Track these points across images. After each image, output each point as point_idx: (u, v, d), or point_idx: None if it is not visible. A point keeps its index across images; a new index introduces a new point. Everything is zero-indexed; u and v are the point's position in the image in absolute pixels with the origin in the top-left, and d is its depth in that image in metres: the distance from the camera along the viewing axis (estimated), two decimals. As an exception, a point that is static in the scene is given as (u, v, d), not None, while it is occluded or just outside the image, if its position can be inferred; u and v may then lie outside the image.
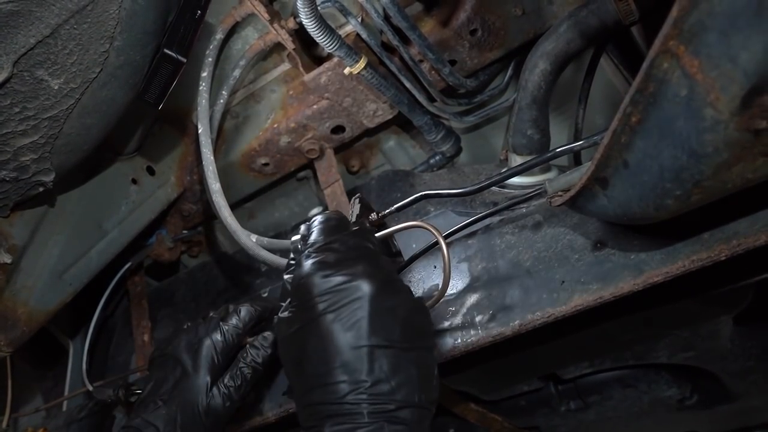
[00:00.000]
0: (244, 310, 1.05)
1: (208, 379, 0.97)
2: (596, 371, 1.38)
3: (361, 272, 0.76)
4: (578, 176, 0.83)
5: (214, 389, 0.97)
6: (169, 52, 0.93)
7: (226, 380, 0.98)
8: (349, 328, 0.71)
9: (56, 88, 0.88)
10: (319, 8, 1.13)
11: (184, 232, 1.62)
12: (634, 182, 0.67)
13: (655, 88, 0.58)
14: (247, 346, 1.03)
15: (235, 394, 0.98)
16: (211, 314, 1.08)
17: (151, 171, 1.44)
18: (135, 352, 1.60)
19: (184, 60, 0.95)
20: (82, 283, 1.25)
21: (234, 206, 1.62)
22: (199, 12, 0.96)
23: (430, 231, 0.90)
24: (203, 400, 0.96)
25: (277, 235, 1.63)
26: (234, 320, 1.03)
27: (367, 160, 1.62)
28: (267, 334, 1.03)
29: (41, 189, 1.05)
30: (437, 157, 1.50)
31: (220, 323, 1.03)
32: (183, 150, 1.54)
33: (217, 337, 1.01)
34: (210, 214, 1.64)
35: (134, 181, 1.39)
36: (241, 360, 1.00)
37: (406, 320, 0.74)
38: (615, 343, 1.24)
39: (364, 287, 0.74)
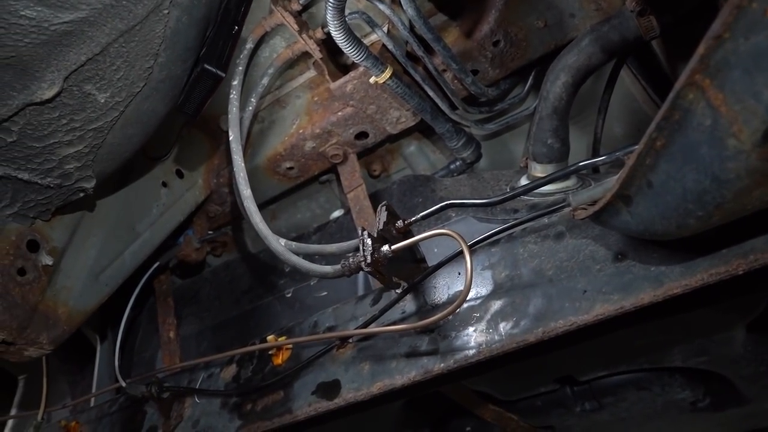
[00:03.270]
0: None
1: None
2: (612, 374, 1.41)
3: None
4: (601, 191, 0.87)
5: None
6: (210, 68, 0.97)
7: None
8: None
9: (102, 101, 0.92)
10: (346, 19, 1.17)
11: (210, 232, 1.67)
12: (657, 201, 0.71)
13: (680, 117, 0.62)
14: None
15: None
16: None
17: (180, 174, 1.49)
18: (161, 348, 1.65)
19: (223, 75, 1.00)
20: (117, 283, 1.30)
21: (258, 208, 1.67)
22: (236, 27, 1.00)
23: (456, 239, 0.94)
24: None
25: (299, 237, 1.67)
26: None
27: (388, 164, 1.66)
28: None
29: (82, 194, 1.09)
30: (457, 163, 1.53)
31: None
32: (210, 153, 1.59)
33: None
34: (235, 215, 1.68)
35: (164, 185, 1.44)
36: None
37: None
38: (631, 348, 1.27)
39: None
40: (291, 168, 1.54)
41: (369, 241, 0.99)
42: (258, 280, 1.68)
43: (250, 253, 1.75)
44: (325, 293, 1.47)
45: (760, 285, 0.99)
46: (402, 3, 1.20)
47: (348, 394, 1.04)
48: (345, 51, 1.19)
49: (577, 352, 1.23)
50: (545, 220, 1.03)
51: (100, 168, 1.05)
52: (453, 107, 1.41)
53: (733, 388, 1.45)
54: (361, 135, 1.47)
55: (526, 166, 1.32)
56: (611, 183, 0.84)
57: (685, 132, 0.62)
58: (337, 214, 1.69)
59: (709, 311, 1.08)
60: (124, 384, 1.30)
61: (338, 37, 1.16)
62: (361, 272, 1.04)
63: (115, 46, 0.85)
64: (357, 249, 1.22)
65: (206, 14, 0.94)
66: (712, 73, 0.56)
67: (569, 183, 1.22)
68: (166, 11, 0.85)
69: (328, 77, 1.37)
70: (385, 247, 0.99)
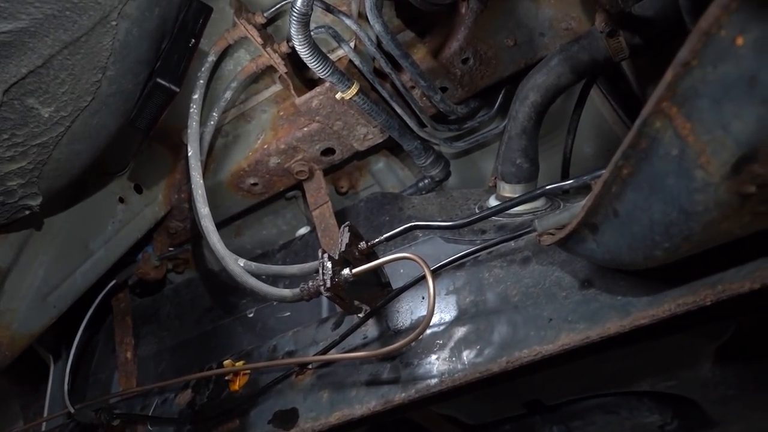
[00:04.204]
0: None
1: None
2: (580, 398, 1.39)
3: None
4: (568, 216, 0.84)
5: None
6: (163, 82, 0.92)
7: None
8: None
9: (46, 116, 0.87)
10: (312, 33, 1.13)
11: (170, 249, 1.61)
12: (624, 231, 0.68)
13: (647, 145, 0.59)
14: None
15: None
16: None
17: (138, 189, 1.43)
18: (117, 369, 1.58)
19: (177, 90, 0.95)
20: (67, 304, 1.24)
21: (221, 224, 1.62)
22: (193, 41, 0.96)
23: (419, 264, 0.90)
24: None
25: (264, 254, 1.62)
26: None
27: (356, 180, 1.62)
28: None
29: (27, 212, 1.04)
30: (426, 181, 1.50)
31: None
32: (171, 168, 1.54)
33: None
34: (197, 232, 1.63)
35: (121, 200, 1.38)
36: None
37: None
38: (599, 373, 1.25)
39: None
40: (255, 184, 1.49)
41: (329, 264, 0.95)
42: (220, 299, 1.62)
43: (212, 271, 1.69)
44: (288, 314, 1.42)
45: (727, 312, 0.97)
46: (369, 19, 1.17)
47: (305, 424, 0.99)
48: (310, 66, 1.16)
49: (545, 377, 1.21)
50: (512, 243, 1.00)
51: (46, 185, 1.00)
52: (421, 124, 1.38)
53: (701, 411, 1.44)
54: (328, 151, 1.43)
55: (495, 186, 1.30)
56: (577, 209, 0.81)
57: (652, 161, 0.59)
58: (302, 231, 1.64)
59: (677, 337, 1.06)
60: (72, 410, 1.24)
61: (303, 52, 1.13)
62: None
63: (59, 58, 0.80)
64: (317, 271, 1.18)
65: (160, 26, 0.90)
66: (680, 101, 0.53)
67: (538, 204, 1.19)
68: (114, 23, 0.80)
69: (293, 92, 1.33)
70: (346, 271, 0.96)
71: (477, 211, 1.33)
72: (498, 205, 1.02)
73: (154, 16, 0.87)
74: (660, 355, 1.18)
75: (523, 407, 1.43)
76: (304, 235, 1.59)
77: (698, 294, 0.77)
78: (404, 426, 1.47)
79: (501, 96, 1.41)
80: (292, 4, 1.04)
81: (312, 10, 1.07)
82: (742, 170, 0.51)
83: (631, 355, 1.18)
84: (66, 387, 1.30)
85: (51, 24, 0.76)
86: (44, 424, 1.50)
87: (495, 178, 1.30)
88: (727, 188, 0.53)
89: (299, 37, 1.10)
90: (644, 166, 0.61)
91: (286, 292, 1.04)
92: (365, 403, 0.95)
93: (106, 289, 1.48)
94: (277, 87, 1.45)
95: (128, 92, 0.93)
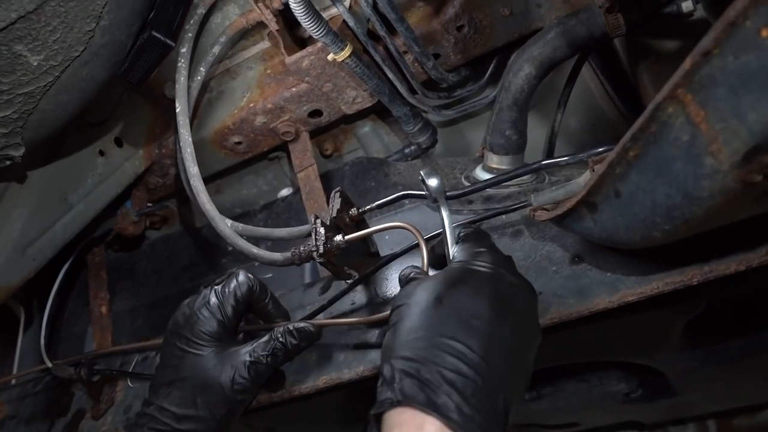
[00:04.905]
0: (242, 277, 0.96)
1: (214, 351, 0.91)
2: (553, 366, 1.43)
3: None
4: (564, 193, 0.85)
5: (240, 364, 0.89)
6: (158, 36, 0.89)
7: (254, 355, 0.90)
8: None
9: (35, 64, 0.83)
10: (307, -9, 1.10)
11: (149, 205, 1.58)
12: (624, 212, 0.70)
13: (657, 129, 0.60)
14: (286, 328, 0.93)
15: (264, 372, 0.91)
16: (215, 280, 0.99)
17: (119, 142, 1.39)
18: (91, 324, 1.56)
19: (173, 44, 0.92)
20: (46, 258, 1.21)
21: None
22: (188, -7, 0.93)
23: (413, 233, 0.91)
24: (226, 376, 0.88)
25: (245, 214, 1.61)
26: (231, 287, 0.95)
27: (340, 144, 1.61)
28: (305, 326, 0.93)
29: (8, 163, 1.00)
30: (412, 148, 1.50)
31: (216, 291, 0.95)
32: (153, 121, 1.50)
33: (214, 307, 0.93)
34: (178, 188, 1.60)
35: (101, 153, 1.34)
36: (276, 341, 0.91)
37: None
38: (575, 343, 1.29)
39: None
40: (239, 143, 1.46)
41: (322, 230, 0.95)
42: (199, 257, 1.61)
43: (191, 228, 1.67)
44: (270, 275, 1.41)
45: (703, 291, 1.01)
46: (367, -21, 1.14)
47: (293, 387, 1.00)
48: (304, 25, 1.13)
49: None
50: (503, 216, 1.01)
51: (30, 135, 0.96)
52: (412, 91, 1.36)
53: (665, 381, 1.50)
54: (315, 113, 1.41)
55: (482, 156, 1.31)
56: (574, 186, 0.83)
57: (661, 145, 0.60)
58: (285, 192, 1.63)
59: (653, 313, 1.10)
60: (50, 365, 1.22)
61: (298, 10, 1.10)
62: (311, 260, 1.00)
63: (51, 4, 0.76)
64: (308, 235, 1.18)
65: (156, -24, 0.86)
66: (696, 89, 0.54)
67: (525, 177, 1.20)
68: (111, -30, 0.77)
69: (283, 51, 1.30)
70: (339, 237, 0.96)
71: (463, 180, 1.34)
72: (492, 177, 1.03)
73: (152, -34, 0.83)
74: (634, 329, 1.22)
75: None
76: (286, 197, 1.58)
77: (686, 274, 0.80)
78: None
79: (492, 66, 1.41)
80: (290, -39, 1.01)
81: (310, -33, 1.04)
82: (753, 160, 0.52)
83: (606, 328, 1.22)
84: (43, 341, 1.29)
85: (45, -32, 0.73)
86: (14, 370, 1.49)
87: (483, 149, 1.31)
88: (734, 176, 0.55)
89: (295, -6, 1.08)
90: (652, 149, 0.62)
91: (277, 256, 1.03)
92: (353, 368, 0.96)
93: (83, 242, 1.46)
94: (265, 44, 1.41)
95: (120, 43, 0.90)
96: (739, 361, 1.41)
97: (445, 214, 0.90)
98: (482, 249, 0.78)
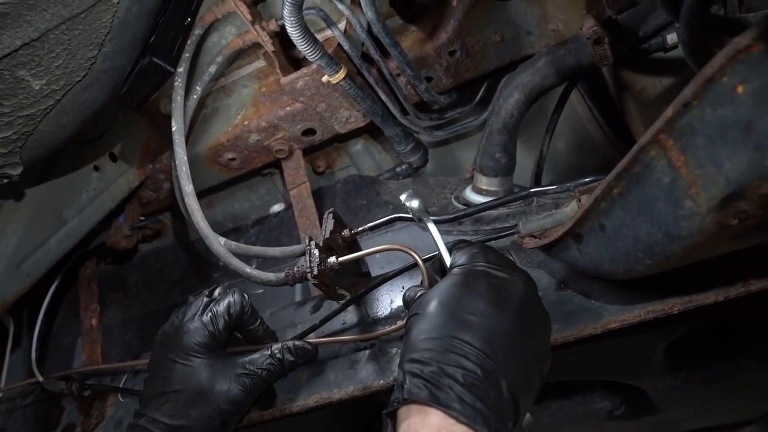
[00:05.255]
0: (238, 296, 0.98)
1: (205, 363, 0.91)
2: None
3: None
4: (551, 221, 0.88)
5: (234, 377, 0.91)
6: (159, 62, 0.91)
7: (250, 368, 0.92)
8: None
9: (37, 88, 0.85)
10: (303, 15, 1.13)
11: (142, 218, 1.59)
12: (608, 245, 0.73)
13: (640, 170, 0.63)
14: (283, 345, 0.95)
15: (260, 386, 0.93)
16: (203, 291, 1.02)
17: (113, 158, 1.41)
18: (81, 336, 1.57)
19: (173, 70, 0.94)
20: (40, 273, 1.22)
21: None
22: (189, 19, 0.95)
23: (411, 254, 0.93)
24: (221, 388, 0.90)
25: (237, 228, 1.63)
26: (225, 303, 0.96)
27: (333, 161, 1.63)
28: (303, 344, 0.96)
29: (6, 181, 1.01)
30: (404, 167, 1.52)
31: (210, 305, 0.97)
32: (147, 136, 1.51)
33: (206, 319, 0.94)
34: (170, 202, 1.61)
35: (96, 168, 1.35)
36: (273, 356, 0.93)
37: None
38: (560, 362, 1.32)
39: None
40: (233, 159, 1.48)
41: (316, 252, 0.97)
42: (190, 271, 1.62)
43: (183, 242, 1.68)
44: (261, 291, 1.43)
45: (684, 317, 1.04)
46: (362, 5, 1.17)
47: (283, 405, 1.02)
48: (300, 48, 1.15)
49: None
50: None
51: (28, 155, 0.98)
52: (404, 112, 1.39)
53: (648, 399, 1.53)
54: (309, 132, 1.43)
55: (473, 177, 1.33)
56: (561, 215, 0.86)
57: (644, 185, 0.63)
58: (277, 208, 1.65)
59: (637, 336, 1.13)
60: (41, 379, 1.23)
61: (294, 34, 1.12)
62: (303, 280, 1.02)
63: (55, 32, 0.78)
64: (300, 255, 1.20)
65: (158, 4, 0.88)
66: (677, 135, 0.57)
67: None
68: (116, 1, 0.79)
69: (279, 71, 1.32)
70: (332, 259, 0.98)
71: (453, 200, 1.37)
72: (482, 204, 1.06)
73: (154, -5, 0.85)
74: (617, 350, 1.26)
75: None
76: (279, 212, 1.60)
77: (667, 303, 0.83)
78: (371, 406, 1.52)
79: (483, 89, 1.44)
80: (287, -13, 1.03)
81: (306, -7, 1.07)
82: (729, 205, 0.55)
83: (589, 349, 1.25)
84: (34, 355, 1.29)
85: (51, -1, 0.75)
86: (2, 383, 1.49)
87: (473, 170, 1.34)
88: (711, 219, 0.58)
89: (291, 19, 1.10)
90: (635, 188, 0.65)
91: (271, 276, 1.05)
92: (344, 388, 0.98)
93: (74, 256, 1.46)
94: (260, 63, 1.44)
95: (121, 68, 0.91)
96: (719, 381, 1.45)
97: (432, 228, 0.93)
98: (475, 251, 0.83)
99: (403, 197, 0.95)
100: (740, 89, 0.50)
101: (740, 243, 0.66)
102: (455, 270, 0.81)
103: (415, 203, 0.95)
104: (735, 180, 0.53)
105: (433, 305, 0.76)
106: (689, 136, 0.56)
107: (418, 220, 0.98)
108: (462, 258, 0.82)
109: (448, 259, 0.86)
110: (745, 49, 0.49)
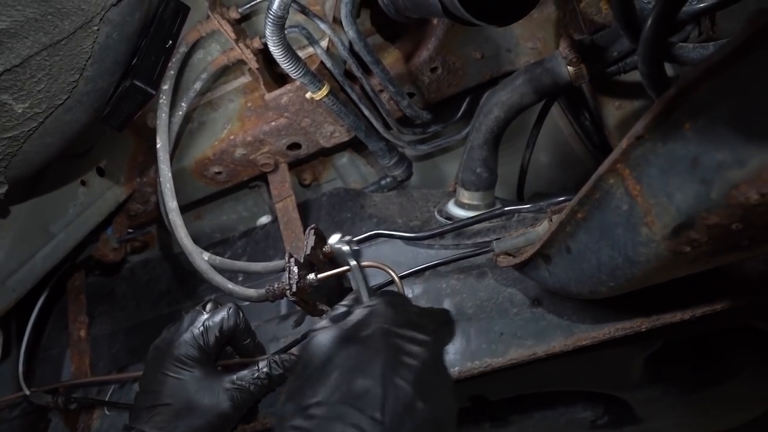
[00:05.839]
0: (233, 312, 0.99)
1: (196, 377, 0.92)
2: (521, 395, 1.48)
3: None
4: (524, 241, 0.90)
5: (223, 390, 0.92)
6: (140, 84, 0.93)
7: (239, 383, 0.93)
8: None
9: (20, 111, 0.87)
10: (286, 33, 1.15)
11: (130, 231, 1.61)
12: (574, 267, 0.75)
13: (600, 196, 0.65)
14: (270, 359, 0.97)
15: (249, 400, 0.93)
16: (197, 308, 1.03)
17: (100, 172, 1.42)
18: (69, 347, 1.58)
19: (154, 93, 0.96)
20: (26, 289, 1.23)
21: (183, 209, 1.62)
22: (170, 42, 0.97)
23: (390, 274, 0.95)
24: (210, 401, 0.90)
25: (225, 240, 1.64)
26: (218, 318, 0.98)
27: (319, 173, 1.65)
28: (290, 357, 0.97)
29: (-9, 199, 1.03)
30: (388, 180, 1.54)
31: (203, 320, 0.98)
32: (135, 150, 1.53)
33: (197, 332, 0.95)
34: (157, 215, 1.62)
35: (83, 183, 1.37)
36: (262, 370, 0.95)
37: None
38: (542, 374, 1.34)
39: None
40: (219, 173, 1.50)
41: (295, 269, 0.99)
42: (178, 283, 1.63)
43: (170, 254, 1.70)
44: (246, 303, 1.44)
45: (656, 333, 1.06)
46: (343, 24, 1.19)
47: (265, 420, 1.04)
48: (282, 67, 1.17)
49: (493, 378, 1.29)
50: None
51: (13, 174, 0.99)
52: (387, 127, 1.41)
53: (630, 409, 1.55)
54: (294, 146, 1.45)
55: (455, 191, 1.35)
56: (533, 235, 0.88)
57: (604, 211, 0.66)
58: (264, 220, 1.67)
59: (614, 350, 1.15)
60: (28, 392, 1.25)
61: (277, 53, 1.14)
62: (285, 296, 1.03)
63: (37, 59, 0.80)
64: (283, 270, 1.22)
65: (138, 29, 0.90)
66: (632, 165, 0.59)
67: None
68: (96, 27, 0.81)
69: (263, 87, 1.34)
70: (311, 276, 1.00)
71: (436, 214, 1.39)
72: (460, 221, 1.08)
73: (135, 20, 0.87)
74: (597, 362, 1.28)
75: (469, 401, 1.51)
76: (265, 225, 1.62)
77: (634, 321, 0.85)
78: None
79: (465, 104, 1.46)
80: (269, 6, 1.05)
81: (288, 13, 1.08)
82: (681, 234, 0.57)
83: (571, 361, 1.27)
84: (21, 368, 1.31)
85: (32, 26, 0.76)
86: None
87: (455, 184, 1.36)
88: (666, 246, 0.60)
89: (274, 38, 1.12)
90: (596, 214, 0.67)
91: (251, 292, 1.07)
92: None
93: (62, 269, 1.48)
94: (245, 78, 1.46)
95: (103, 90, 0.93)
96: (699, 391, 1.47)
97: (357, 271, 0.94)
98: (382, 308, 0.77)
99: (332, 240, 0.99)
100: (688, 126, 0.52)
101: (699, 266, 0.68)
102: (359, 318, 0.76)
103: (344, 247, 0.98)
104: (684, 211, 0.55)
105: (326, 360, 0.71)
106: (643, 166, 0.58)
107: (345, 263, 0.99)
108: (367, 311, 0.77)
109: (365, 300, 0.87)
110: (694, 86, 0.51)
